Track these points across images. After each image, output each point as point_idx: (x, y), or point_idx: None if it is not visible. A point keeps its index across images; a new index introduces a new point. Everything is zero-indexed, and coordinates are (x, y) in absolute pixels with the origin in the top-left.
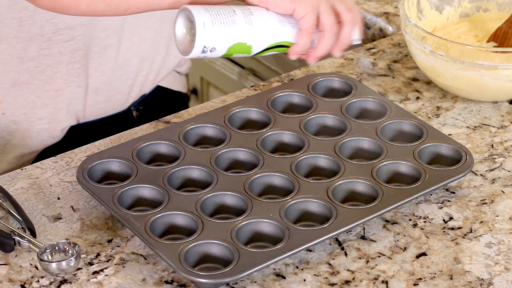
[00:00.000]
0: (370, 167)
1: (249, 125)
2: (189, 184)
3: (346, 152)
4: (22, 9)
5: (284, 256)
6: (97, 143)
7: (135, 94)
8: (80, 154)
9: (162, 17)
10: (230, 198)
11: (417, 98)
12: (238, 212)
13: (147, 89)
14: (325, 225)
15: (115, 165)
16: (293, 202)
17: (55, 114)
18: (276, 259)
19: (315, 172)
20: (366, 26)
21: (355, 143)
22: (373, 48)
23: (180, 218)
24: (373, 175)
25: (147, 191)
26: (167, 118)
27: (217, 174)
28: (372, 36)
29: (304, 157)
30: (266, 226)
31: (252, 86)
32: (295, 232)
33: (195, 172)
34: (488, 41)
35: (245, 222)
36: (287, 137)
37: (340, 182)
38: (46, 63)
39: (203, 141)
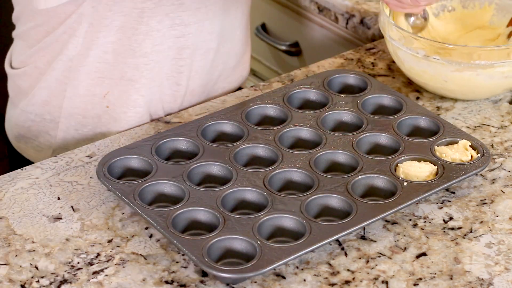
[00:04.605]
0: (388, 163)
1: (266, 121)
2: (208, 180)
3: (364, 147)
4: (146, 0)
5: (306, 250)
6: (97, 143)
7: (219, 94)
8: (80, 154)
9: (247, 25)
10: (250, 194)
11: (417, 98)
12: (258, 207)
13: (229, 91)
14: (346, 220)
15: (135, 162)
16: (314, 197)
17: (153, 113)
18: (299, 253)
19: (334, 168)
20: (366, 26)
21: (372, 138)
22: (373, 48)
23: (201, 214)
24: (391, 170)
25: (167, 187)
26: (167, 118)
27: (236, 170)
28: (372, 36)
29: (322, 152)
30: (288, 221)
31: (252, 86)
32: (316, 227)
33: (215, 168)
34: (508, 26)
35: (266, 218)
36: (304, 133)
37: (359, 177)
38: (156, 60)
39: (221, 138)
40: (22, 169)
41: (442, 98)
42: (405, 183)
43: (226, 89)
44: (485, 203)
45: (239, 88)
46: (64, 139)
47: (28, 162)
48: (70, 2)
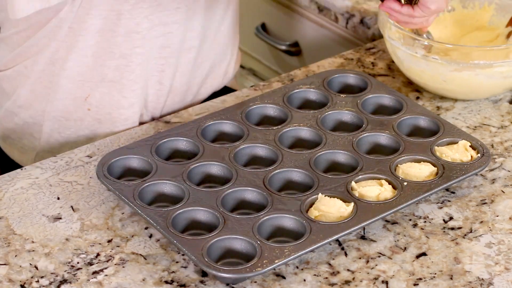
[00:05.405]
0: (388, 163)
1: (266, 121)
2: (208, 180)
3: (364, 147)
4: (123, 2)
5: (306, 250)
6: (96, 143)
7: (203, 95)
8: (80, 154)
9: (234, 22)
10: (250, 194)
11: (417, 98)
12: (258, 207)
13: (215, 89)
14: (346, 220)
15: (134, 162)
16: (314, 197)
17: (138, 114)
18: (299, 253)
19: (334, 168)
20: (366, 26)
21: (372, 138)
22: (373, 48)
23: (201, 214)
24: (391, 170)
25: (167, 187)
26: (167, 118)
27: (236, 170)
28: (372, 36)
29: (322, 152)
30: (288, 221)
31: (252, 86)
32: (316, 227)
33: (215, 168)
34: (507, 26)
35: (266, 218)
36: (304, 133)
37: (359, 177)
38: (137, 62)
39: (221, 137)
40: (22, 169)
41: (442, 98)
42: (405, 183)
43: (214, 86)
44: (485, 203)
45: (231, 90)
46: (47, 141)
47: (14, 164)
48: (48, 9)
